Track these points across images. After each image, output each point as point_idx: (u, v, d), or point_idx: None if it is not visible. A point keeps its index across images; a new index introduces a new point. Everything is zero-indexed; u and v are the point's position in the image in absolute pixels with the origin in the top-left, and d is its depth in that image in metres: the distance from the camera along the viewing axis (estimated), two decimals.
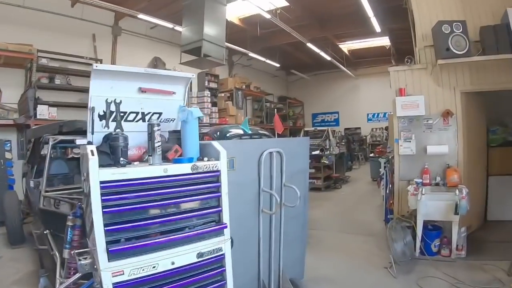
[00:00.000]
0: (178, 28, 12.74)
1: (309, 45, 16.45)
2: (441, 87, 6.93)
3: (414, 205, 6.20)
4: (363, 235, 7.83)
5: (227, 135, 8.49)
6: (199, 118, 3.62)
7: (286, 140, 5.88)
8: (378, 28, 14.71)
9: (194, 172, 3.29)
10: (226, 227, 3.45)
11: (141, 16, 12.36)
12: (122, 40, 14.05)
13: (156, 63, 15.10)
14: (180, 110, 3.71)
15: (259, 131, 9.11)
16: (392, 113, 7.77)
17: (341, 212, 10.22)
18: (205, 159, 3.46)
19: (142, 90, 3.52)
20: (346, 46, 21.09)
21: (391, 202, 7.58)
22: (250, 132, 8.57)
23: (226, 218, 3.47)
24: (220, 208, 3.44)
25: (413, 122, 6.98)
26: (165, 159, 3.39)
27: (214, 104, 18.18)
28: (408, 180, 6.98)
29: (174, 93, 3.84)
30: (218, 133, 8.63)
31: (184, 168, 3.26)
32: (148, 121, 3.53)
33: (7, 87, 10.28)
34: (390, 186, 7.72)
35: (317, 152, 14.62)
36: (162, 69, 14.76)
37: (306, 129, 20.28)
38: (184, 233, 3.19)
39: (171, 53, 15.12)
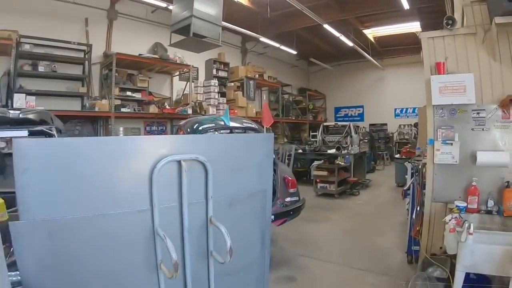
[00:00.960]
0: None
1: (327, 26, 14.00)
2: (499, 62, 4.47)
3: (453, 249, 3.76)
4: (374, 273, 5.39)
5: (201, 128, 6.28)
6: None
7: (223, 138, 3.41)
8: (406, 5, 12.15)
9: None
10: None
11: None
12: (119, 24, 12.71)
13: (157, 49, 13.15)
14: None
15: (244, 123, 6.89)
16: (422, 106, 5.42)
17: (352, 231, 7.79)
18: None
19: None
20: (372, 33, 18.54)
21: (417, 229, 5.18)
22: (231, 124, 6.34)
23: None
24: None
25: (456, 116, 4.55)
26: None
27: (222, 94, 16.09)
28: (446, 202, 4.61)
29: None
30: (194, 125, 6.48)
31: None
32: None
33: None
34: (418, 208, 5.27)
35: (332, 151, 12.25)
36: (163, 55, 12.80)
37: (325, 124, 17.89)
38: None
39: (175, 39, 13.16)
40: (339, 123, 18.08)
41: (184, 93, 14.66)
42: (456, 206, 4.30)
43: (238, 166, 2.49)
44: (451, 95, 4.41)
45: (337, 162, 10.83)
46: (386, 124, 22.60)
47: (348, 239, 7.20)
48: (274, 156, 6.40)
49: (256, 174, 2.68)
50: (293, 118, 21.15)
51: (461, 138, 4.49)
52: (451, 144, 4.49)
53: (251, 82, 17.13)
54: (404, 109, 22.40)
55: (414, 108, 21.55)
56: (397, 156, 13.18)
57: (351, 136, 16.81)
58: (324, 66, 22.19)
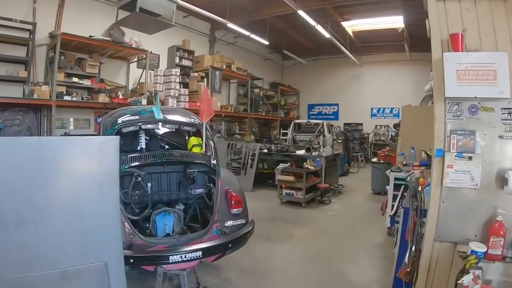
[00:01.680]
0: None
1: (302, 13, 12.38)
2: None
3: None
4: None
5: (120, 121, 4.58)
6: None
7: None
8: None
9: None
10: None
11: None
12: (71, 2, 11.10)
13: (113, 31, 11.34)
14: None
15: (184, 117, 5.24)
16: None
17: (319, 255, 6.14)
18: None
19: None
20: (351, 26, 17.04)
21: (407, 270, 3.64)
22: (161, 117, 4.63)
23: None
24: None
25: (477, 115, 2.99)
26: None
27: (185, 85, 14.42)
28: (455, 243, 3.09)
29: None
30: (114, 119, 4.78)
31: None
32: None
33: None
34: (412, 246, 3.67)
35: (301, 152, 10.71)
36: (116, 38, 11.09)
37: (297, 121, 16.38)
38: None
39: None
40: (312, 121, 16.58)
41: (140, 81, 12.91)
42: (472, 252, 2.79)
43: None
44: (474, 83, 2.83)
45: (306, 165, 9.26)
46: (361, 124, 21.25)
47: (313, 268, 5.55)
48: (214, 162, 4.82)
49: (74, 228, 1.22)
50: (263, 114, 19.59)
51: (486, 150, 2.96)
52: (470, 158, 2.93)
53: (217, 72, 15.48)
54: (381, 109, 21.10)
55: (392, 108, 20.43)
56: (374, 160, 11.70)
57: (324, 136, 15.39)
58: (299, 60, 20.59)
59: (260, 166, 13.55)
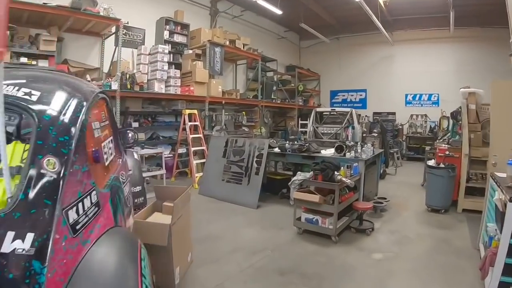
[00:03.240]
0: None
1: None
2: None
3: None
4: None
5: None
6: None
7: None
8: None
9: None
10: None
11: None
12: None
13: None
14: None
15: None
16: None
17: None
18: None
19: None
20: None
21: None
22: None
23: None
24: None
25: None
26: None
27: (177, 66, 11.05)
28: None
29: None
30: None
31: None
32: None
33: None
34: None
35: (328, 152, 7.25)
36: (89, 8, 8.69)
37: (319, 109, 12.84)
38: None
39: None
40: (338, 109, 12.99)
41: (114, 60, 9.67)
42: None
43: None
44: None
45: (339, 177, 5.70)
46: (394, 113, 17.61)
47: None
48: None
49: None
50: (278, 102, 16.07)
51: None
52: None
53: (217, 49, 12.03)
54: (418, 96, 17.42)
55: (430, 95, 16.89)
56: (431, 163, 8.09)
57: (353, 128, 11.87)
58: (319, 37, 16.87)
59: (272, 168, 10.20)
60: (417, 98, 17.38)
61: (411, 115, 17.09)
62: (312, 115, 12.67)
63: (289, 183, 6.10)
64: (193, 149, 10.17)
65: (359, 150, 6.99)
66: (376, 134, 12.09)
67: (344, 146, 7.04)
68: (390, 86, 17.74)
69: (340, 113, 12.88)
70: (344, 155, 6.98)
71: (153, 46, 10.71)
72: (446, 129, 15.81)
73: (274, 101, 15.55)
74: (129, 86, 9.34)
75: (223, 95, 12.25)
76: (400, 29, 16.95)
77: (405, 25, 16.71)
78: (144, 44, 10.89)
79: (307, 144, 7.58)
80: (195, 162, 10.24)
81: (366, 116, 17.18)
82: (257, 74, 14.40)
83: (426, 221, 7.06)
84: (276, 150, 8.09)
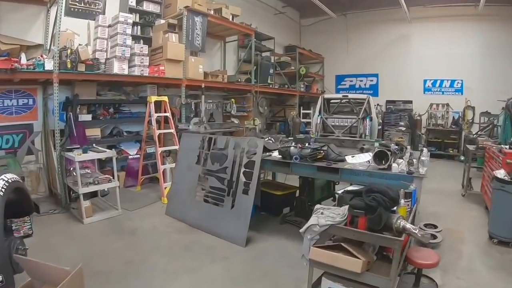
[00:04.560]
0: None
1: None
2: None
3: None
4: None
5: None
6: None
7: None
8: None
9: None
10: None
11: None
12: None
13: None
14: None
15: None
16: None
17: None
18: None
19: None
20: None
21: None
22: None
23: None
24: None
25: None
26: None
27: (147, 41, 8.29)
28: None
29: None
30: None
31: None
32: None
33: None
34: None
35: (360, 159, 4.50)
36: None
37: (327, 96, 10.11)
38: None
39: None
40: (352, 95, 10.27)
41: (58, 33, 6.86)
42: None
43: None
44: None
45: (401, 221, 2.83)
46: (410, 102, 14.79)
47: None
48: None
49: None
50: (276, 87, 13.22)
51: None
52: None
53: (198, 19, 9.13)
54: (438, 82, 14.49)
55: (453, 81, 14.23)
56: (502, 174, 5.31)
57: (370, 119, 9.28)
58: (325, 10, 13.76)
59: (268, 176, 7.51)
60: (437, 85, 14.53)
61: (431, 105, 14.27)
62: (319, 104, 9.94)
63: (301, 230, 3.20)
64: (161, 149, 7.39)
65: (414, 161, 4.17)
66: (404, 129, 9.28)
67: (389, 153, 4.21)
68: (406, 71, 14.86)
69: (355, 100, 10.16)
70: (389, 167, 4.18)
71: (114, 16, 7.85)
72: (471, 121, 13.42)
73: (271, 86, 12.69)
74: (69, 66, 6.50)
75: (205, 77, 9.40)
76: (419, 4, 14.05)
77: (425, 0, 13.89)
78: (104, 14, 8.05)
79: (324, 148, 4.69)
80: (164, 167, 7.45)
81: (378, 105, 14.37)
82: (250, 54, 11.51)
83: (499, 265, 4.49)
84: (275, 155, 5.22)
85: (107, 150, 6.58)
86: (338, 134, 8.89)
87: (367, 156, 4.70)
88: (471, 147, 8.42)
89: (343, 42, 15.94)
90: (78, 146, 6.38)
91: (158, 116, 7.63)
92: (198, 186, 5.83)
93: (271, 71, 12.87)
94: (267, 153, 5.25)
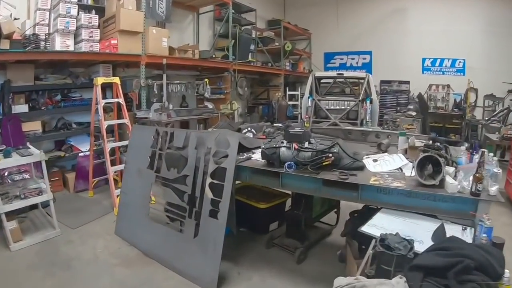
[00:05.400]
0: None
1: None
2: None
3: None
4: None
5: None
6: None
7: None
8: None
9: None
10: None
11: None
12: None
13: None
14: None
15: None
16: None
17: None
18: None
19: None
20: None
21: None
22: None
23: None
24: None
25: None
26: None
27: (99, 10, 6.53)
28: None
29: None
30: None
31: None
32: None
33: None
34: None
35: (388, 166, 2.84)
36: None
37: (319, 74, 8.52)
38: None
39: None
40: (348, 72, 8.71)
41: None
42: None
43: None
44: None
45: None
46: (407, 83, 13.28)
47: None
48: None
49: None
50: (258, 65, 11.51)
51: None
52: None
53: None
54: (438, 61, 12.96)
55: (454, 60, 12.67)
56: None
57: (371, 101, 7.77)
58: None
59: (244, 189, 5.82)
60: (437, 64, 12.99)
61: (430, 85, 12.78)
62: (310, 83, 8.30)
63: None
64: (111, 145, 5.68)
65: (485, 174, 2.54)
66: (414, 114, 7.71)
67: (442, 159, 2.58)
68: (403, 48, 13.28)
69: (352, 79, 8.57)
70: (442, 183, 2.57)
71: None
72: (473, 104, 12.04)
73: (252, 64, 10.95)
74: None
75: (171, 53, 7.61)
76: None
77: None
78: None
79: (335, 150, 2.97)
80: (117, 168, 5.74)
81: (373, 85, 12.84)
82: (228, 27, 9.73)
83: None
84: (256, 158, 3.51)
85: (38, 151, 4.76)
86: (335, 120, 7.28)
87: (397, 161, 3.07)
88: (493, 137, 6.97)
89: (333, 16, 14.18)
90: (4, 147, 4.63)
91: (107, 103, 5.88)
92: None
93: (252, 47, 11.10)
94: (245, 155, 3.57)
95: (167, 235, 3.84)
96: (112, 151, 6.36)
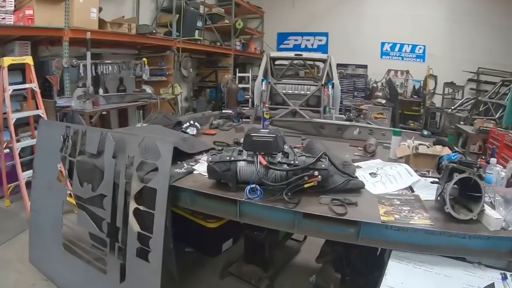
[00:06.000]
0: None
1: None
2: None
3: None
4: None
5: None
6: None
7: None
8: None
9: None
10: None
11: None
12: None
13: None
14: None
15: None
16: None
17: None
18: None
19: None
20: None
21: None
22: None
23: None
24: None
25: None
26: None
27: None
28: None
29: None
30: None
31: None
32: None
33: None
34: None
35: (395, 185, 1.84)
36: None
37: (274, 54, 7.62)
38: None
39: None
40: (306, 53, 7.86)
41: None
42: None
43: None
44: None
45: None
46: (365, 67, 12.76)
47: None
48: None
49: None
50: (206, 44, 10.39)
51: None
52: None
53: None
54: (398, 46, 12.53)
55: (414, 46, 12.43)
56: None
57: (332, 86, 6.91)
58: None
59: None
60: (396, 49, 12.54)
61: (389, 71, 12.38)
62: (264, 64, 7.30)
63: None
64: (22, 144, 4.44)
65: None
66: (384, 102, 6.91)
67: (483, 183, 1.68)
68: (361, 31, 12.66)
69: (311, 61, 7.68)
70: (480, 215, 1.69)
71: None
72: (432, 91, 12.00)
73: (199, 42, 9.78)
74: None
75: (102, 26, 6.32)
76: None
77: None
78: None
79: (323, 165, 1.99)
80: (29, 173, 4.47)
81: None
82: (172, 0, 8.52)
83: None
84: (201, 171, 2.43)
85: None
86: (294, 107, 6.33)
87: (403, 174, 2.16)
88: (468, 129, 6.35)
89: None
90: None
91: (15, 90, 4.58)
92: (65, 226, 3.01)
93: (200, 23, 9.90)
94: (185, 165, 2.50)
95: (87, 275, 2.71)
96: (30, 151, 5.04)
